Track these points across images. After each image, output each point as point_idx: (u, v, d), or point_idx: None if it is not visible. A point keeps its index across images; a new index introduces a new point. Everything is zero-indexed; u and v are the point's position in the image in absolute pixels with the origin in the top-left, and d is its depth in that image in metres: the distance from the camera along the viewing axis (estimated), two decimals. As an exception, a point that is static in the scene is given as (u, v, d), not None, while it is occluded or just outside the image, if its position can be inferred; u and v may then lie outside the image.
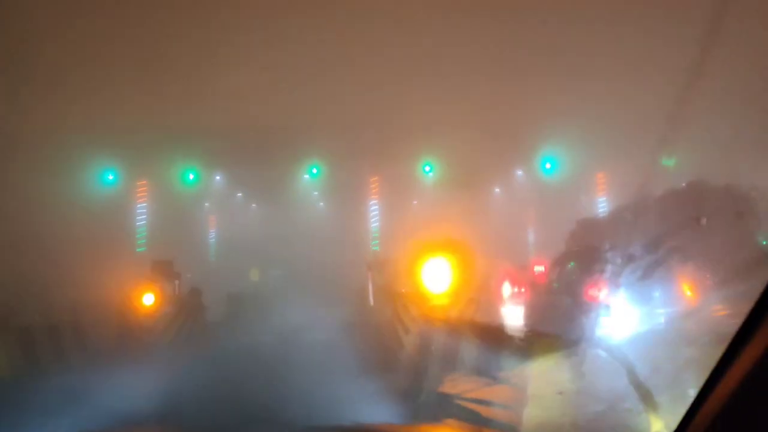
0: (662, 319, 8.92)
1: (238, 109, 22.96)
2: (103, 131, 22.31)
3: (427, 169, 23.98)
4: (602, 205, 25.14)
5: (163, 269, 15.69)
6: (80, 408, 6.99)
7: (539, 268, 21.66)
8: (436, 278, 7.79)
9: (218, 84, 21.97)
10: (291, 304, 26.59)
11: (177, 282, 15.76)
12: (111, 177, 23.06)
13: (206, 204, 32.21)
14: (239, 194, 31.38)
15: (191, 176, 23.53)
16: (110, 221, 22.20)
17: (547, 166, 23.93)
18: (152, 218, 24.81)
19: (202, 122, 22.82)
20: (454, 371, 7.75)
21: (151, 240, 24.74)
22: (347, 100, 23.25)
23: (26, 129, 19.90)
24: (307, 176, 24.83)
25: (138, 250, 24.16)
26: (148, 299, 12.02)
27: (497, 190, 29.89)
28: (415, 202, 32.61)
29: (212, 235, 33.12)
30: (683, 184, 19.07)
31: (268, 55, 21.61)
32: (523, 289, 10.99)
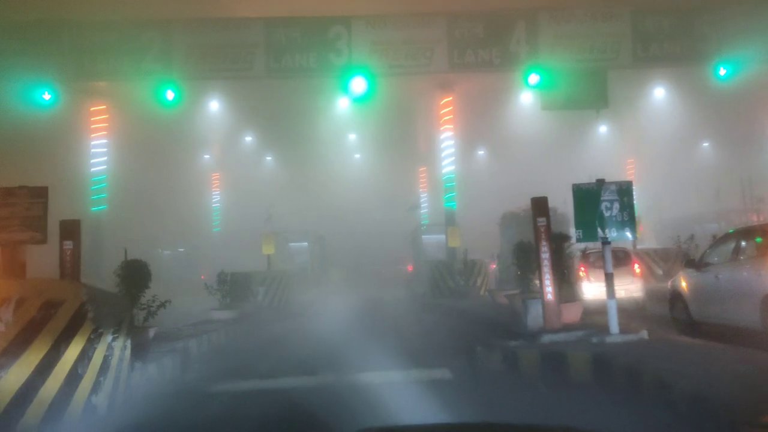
0: None
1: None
2: (36, 27, 14.37)
3: (533, 79, 15.23)
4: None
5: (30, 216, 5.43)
6: None
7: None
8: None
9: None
10: (320, 295, 18.59)
11: (71, 244, 5.60)
12: (48, 95, 14.80)
13: (206, 156, 24.23)
14: (248, 138, 22.49)
15: (170, 94, 14.98)
16: (41, 160, 14.09)
17: (722, 72, 15.31)
18: (116, 163, 16.77)
19: (184, 13, 14.71)
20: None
21: (116, 195, 16.89)
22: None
23: None
24: (345, 97, 16.25)
25: (94, 209, 16.21)
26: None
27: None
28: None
29: (216, 196, 25.09)
30: None
31: None
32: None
